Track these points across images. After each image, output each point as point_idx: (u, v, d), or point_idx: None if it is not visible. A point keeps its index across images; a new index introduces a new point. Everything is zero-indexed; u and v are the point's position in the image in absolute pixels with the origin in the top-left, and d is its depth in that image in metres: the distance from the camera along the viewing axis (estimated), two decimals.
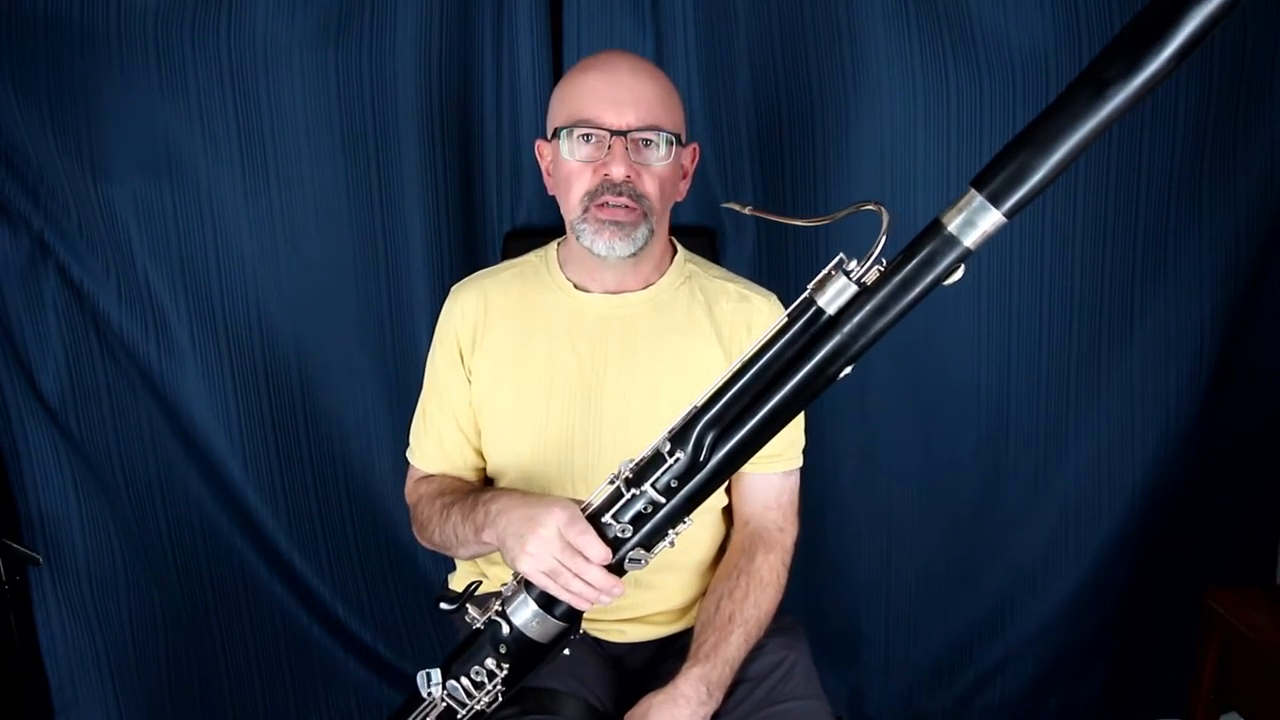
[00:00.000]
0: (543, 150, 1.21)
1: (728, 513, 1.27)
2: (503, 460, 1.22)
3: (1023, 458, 1.72)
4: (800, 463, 1.25)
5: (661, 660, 1.23)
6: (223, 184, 1.54)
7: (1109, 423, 1.69)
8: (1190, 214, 1.59)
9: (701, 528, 1.23)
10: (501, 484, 1.24)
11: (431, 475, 1.26)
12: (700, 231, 1.59)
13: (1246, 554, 1.77)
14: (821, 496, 1.73)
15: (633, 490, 0.90)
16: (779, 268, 1.64)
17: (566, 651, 0.98)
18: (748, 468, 1.20)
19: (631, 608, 1.22)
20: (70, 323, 1.57)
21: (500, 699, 0.97)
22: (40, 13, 1.44)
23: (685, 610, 1.25)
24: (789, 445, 1.22)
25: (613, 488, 0.92)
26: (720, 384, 0.88)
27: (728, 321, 1.20)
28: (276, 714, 1.79)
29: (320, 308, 1.62)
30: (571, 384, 1.18)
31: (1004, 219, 0.74)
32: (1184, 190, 1.58)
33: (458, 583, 1.30)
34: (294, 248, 1.58)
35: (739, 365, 0.88)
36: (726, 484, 1.24)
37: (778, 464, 1.22)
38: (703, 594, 1.24)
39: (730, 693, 1.11)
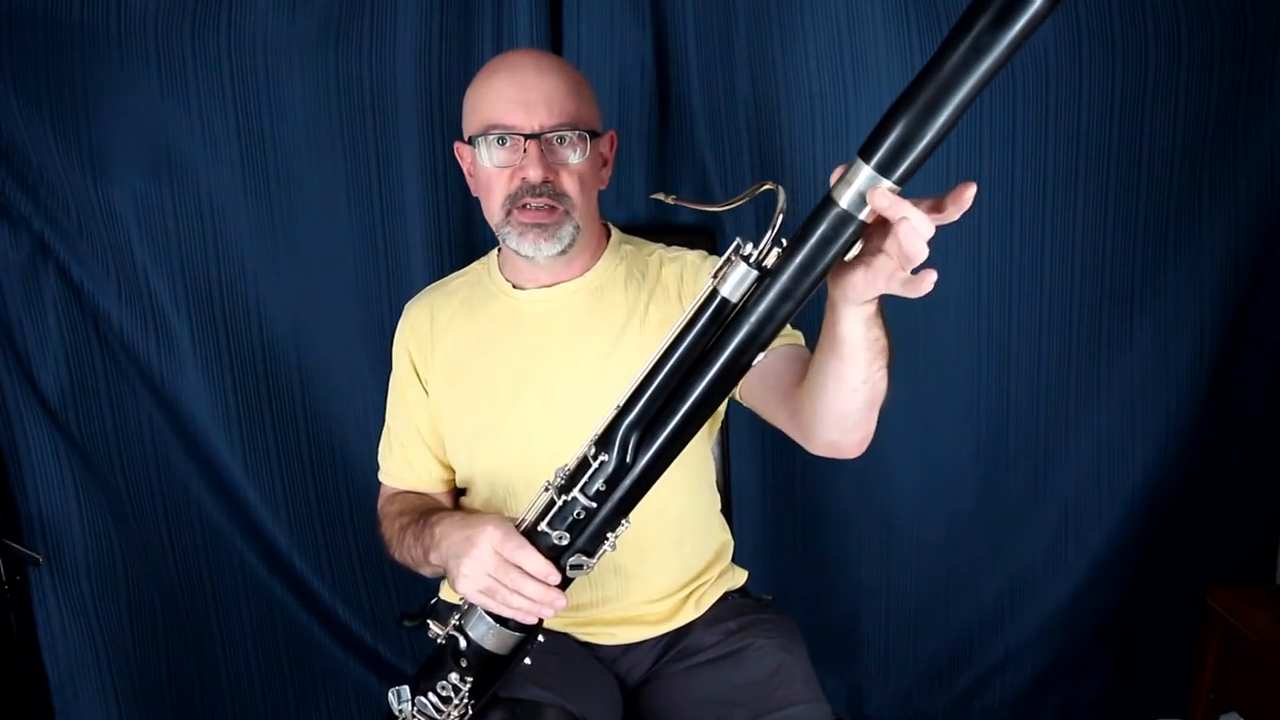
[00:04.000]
0: (462, 152, 1.20)
1: (704, 494, 1.26)
2: (467, 469, 1.23)
3: (1023, 458, 1.71)
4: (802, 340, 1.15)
5: (657, 664, 1.23)
6: (223, 184, 1.54)
7: (1109, 422, 1.69)
8: (1190, 213, 1.59)
9: (676, 515, 1.20)
10: (472, 492, 1.24)
11: (399, 492, 1.27)
12: (700, 231, 1.60)
13: (1246, 554, 1.76)
14: (821, 497, 1.73)
15: (564, 497, 0.90)
16: None
17: (528, 661, 0.98)
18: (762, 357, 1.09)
19: (617, 598, 1.21)
20: (70, 323, 1.57)
21: (471, 711, 0.98)
22: (40, 13, 1.44)
23: (675, 611, 1.24)
24: (789, 330, 1.14)
25: (546, 495, 0.92)
26: (637, 384, 0.88)
27: (664, 281, 1.20)
28: (276, 714, 1.79)
29: (320, 308, 1.62)
30: (522, 383, 1.18)
31: (896, 188, 0.73)
32: (1184, 189, 1.58)
33: (447, 588, 1.30)
34: (294, 248, 1.58)
35: (654, 362, 0.87)
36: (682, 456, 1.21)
37: (785, 339, 1.13)
38: (685, 583, 1.23)
39: (729, 697, 1.11)
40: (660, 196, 0.95)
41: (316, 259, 1.59)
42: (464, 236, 1.63)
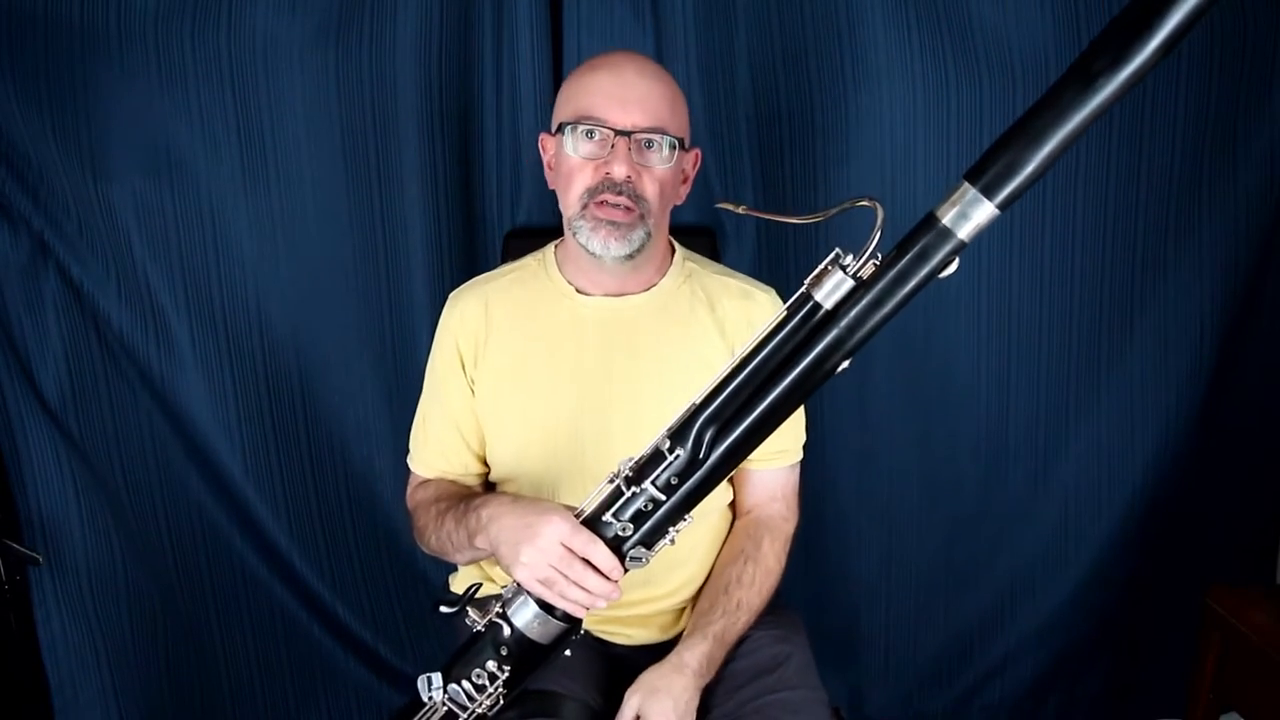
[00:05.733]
0: (545, 144, 1.21)
1: (732, 508, 1.27)
2: (513, 468, 1.22)
3: (1022, 458, 1.71)
4: (801, 455, 1.25)
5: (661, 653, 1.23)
6: (223, 184, 1.54)
7: (1109, 422, 1.69)
8: (1190, 214, 1.59)
9: (707, 526, 1.23)
10: (509, 489, 1.24)
11: (430, 480, 1.26)
12: (700, 231, 1.59)
13: (1246, 554, 1.77)
14: (821, 497, 1.73)
15: (633, 488, 0.90)
16: (779, 268, 1.64)
17: (568, 653, 0.98)
18: (753, 464, 1.21)
19: (641, 603, 1.22)
20: (70, 323, 1.56)
21: (501, 701, 0.97)
22: (40, 13, 1.43)
23: (686, 611, 1.25)
24: (793, 440, 1.24)
25: (612, 486, 0.92)
26: (719, 380, 0.88)
27: (730, 319, 1.20)
28: (276, 714, 1.79)
29: (320, 308, 1.62)
30: (577, 389, 1.17)
31: (997, 211, 0.76)
32: (1184, 190, 1.58)
33: (458, 584, 1.30)
34: (294, 248, 1.58)
35: (737, 361, 0.88)
36: (729, 478, 1.25)
37: (783, 459, 1.23)
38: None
39: (727, 686, 1.12)
40: (729, 205, 0.96)
41: (316, 259, 1.59)
42: (464, 236, 1.63)
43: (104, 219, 1.53)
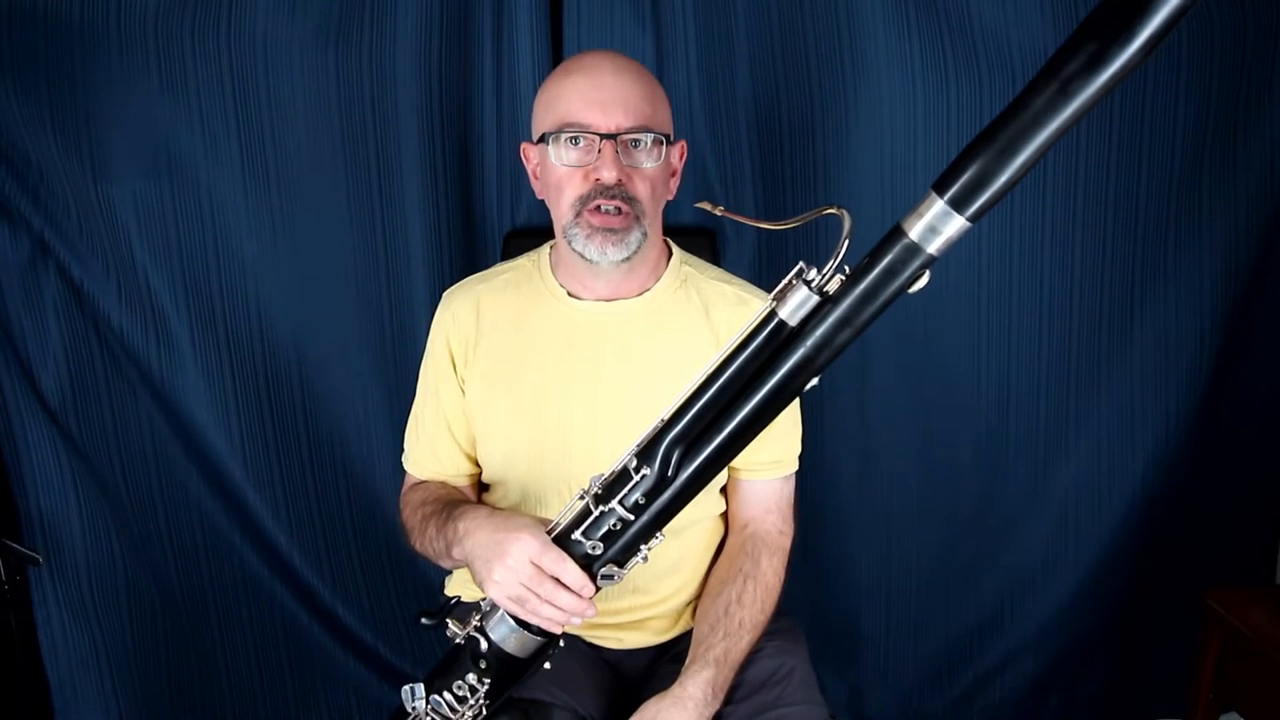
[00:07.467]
0: (528, 154, 1.19)
1: (724, 515, 1.27)
2: (501, 472, 1.21)
3: (1022, 458, 1.71)
4: (797, 466, 1.24)
5: (658, 665, 1.23)
6: (223, 184, 1.54)
7: (1109, 423, 1.68)
8: (1190, 214, 1.59)
9: (698, 532, 1.22)
10: (500, 493, 1.23)
11: (423, 482, 1.25)
12: (700, 232, 1.59)
13: (1246, 554, 1.77)
14: (821, 497, 1.73)
15: (601, 507, 0.89)
16: (779, 269, 1.62)
17: (547, 665, 0.98)
18: (749, 474, 1.20)
19: (630, 611, 1.21)
20: (70, 323, 1.56)
21: (485, 712, 0.97)
22: (40, 12, 1.44)
23: (680, 615, 1.24)
24: (788, 450, 1.22)
25: (582, 504, 0.91)
26: (685, 398, 0.87)
27: (725, 326, 1.18)
28: (276, 714, 1.79)
29: (320, 308, 1.62)
30: (567, 393, 1.17)
31: (968, 224, 0.72)
32: (1184, 190, 1.58)
33: (454, 585, 1.30)
34: (294, 248, 1.58)
35: (703, 379, 0.86)
36: (722, 487, 1.24)
37: (779, 469, 1.22)
38: (695, 594, 1.24)
39: (728, 697, 1.11)
40: (706, 206, 0.95)
41: (316, 259, 1.59)
42: (464, 236, 1.63)
43: (104, 219, 1.53)
